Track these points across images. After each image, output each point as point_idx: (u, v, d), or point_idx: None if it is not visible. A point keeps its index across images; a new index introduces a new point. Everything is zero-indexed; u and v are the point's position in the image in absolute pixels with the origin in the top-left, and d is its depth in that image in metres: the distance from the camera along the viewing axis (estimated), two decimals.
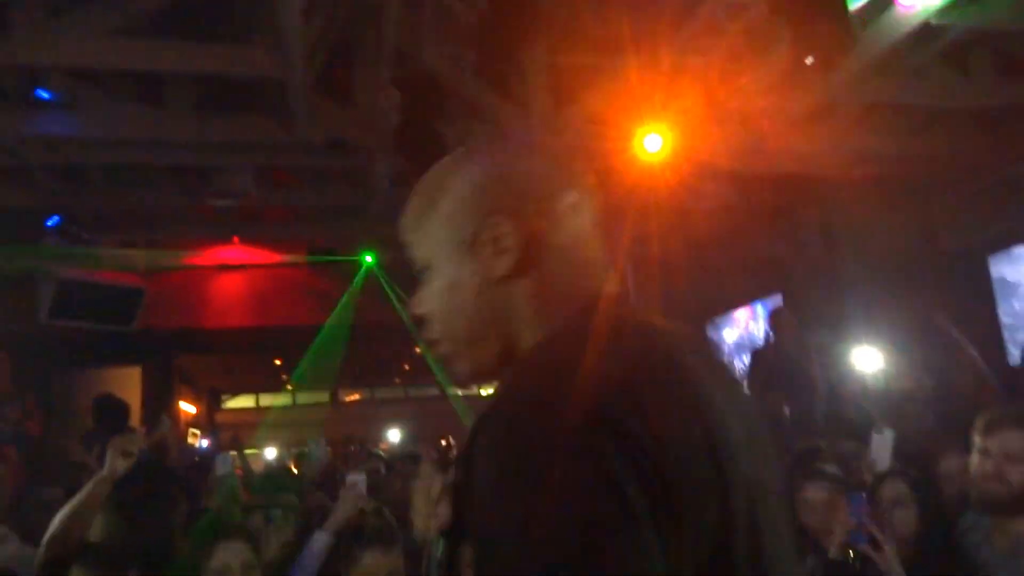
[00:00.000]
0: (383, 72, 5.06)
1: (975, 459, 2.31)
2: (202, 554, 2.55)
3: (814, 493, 2.69)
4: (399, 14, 4.56)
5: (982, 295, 6.83)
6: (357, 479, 3.13)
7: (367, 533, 2.59)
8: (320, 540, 2.85)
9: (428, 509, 2.91)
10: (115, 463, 2.71)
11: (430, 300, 1.00)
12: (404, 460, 5.19)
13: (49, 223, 7.00)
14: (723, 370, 0.96)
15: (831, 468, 2.83)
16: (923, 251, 7.13)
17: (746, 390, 0.97)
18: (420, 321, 1.01)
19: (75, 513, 2.60)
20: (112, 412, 5.90)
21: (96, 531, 2.73)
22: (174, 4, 4.73)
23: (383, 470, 5.30)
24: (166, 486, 3.42)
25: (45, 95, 5.27)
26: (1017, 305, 6.56)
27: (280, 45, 4.57)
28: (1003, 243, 6.93)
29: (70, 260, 7.10)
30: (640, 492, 0.71)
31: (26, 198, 6.44)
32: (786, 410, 5.54)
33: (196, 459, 8.52)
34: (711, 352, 1.01)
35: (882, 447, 3.03)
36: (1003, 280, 6.91)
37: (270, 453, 10.81)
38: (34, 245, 7.03)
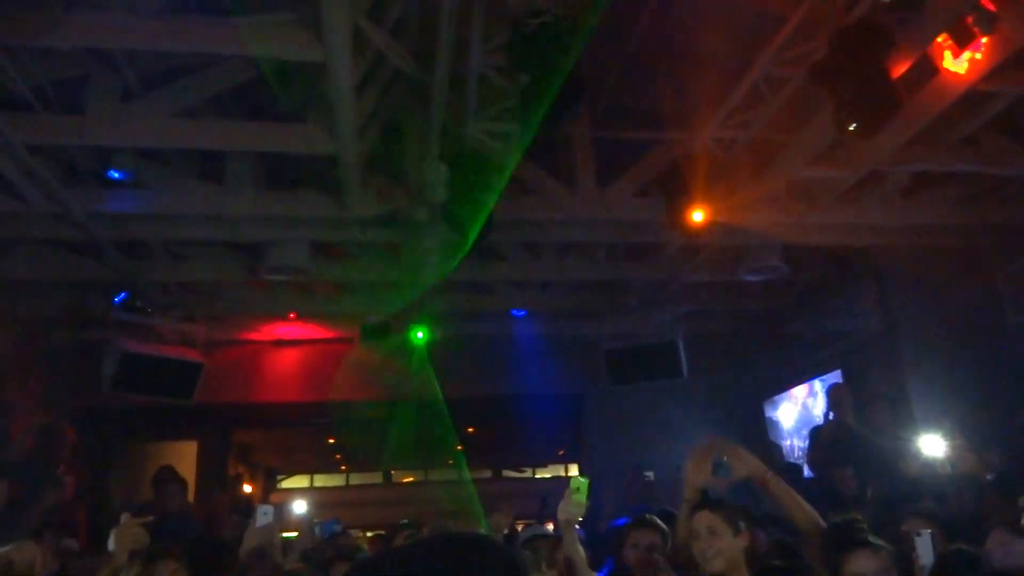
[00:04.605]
0: (431, 148, 5.21)
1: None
2: None
3: (860, 563, 2.56)
4: (446, 92, 4.72)
5: None
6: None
7: None
8: None
9: None
10: (122, 556, 2.70)
11: None
12: None
13: (116, 300, 7.31)
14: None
15: (873, 538, 2.69)
16: (987, 324, 6.85)
17: None
18: None
19: None
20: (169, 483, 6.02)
21: None
22: (235, 87, 5.01)
23: None
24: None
25: (116, 175, 5.58)
26: None
27: (334, 123, 4.77)
28: None
29: (134, 333, 7.36)
30: None
31: (94, 272, 6.73)
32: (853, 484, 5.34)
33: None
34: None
35: (926, 548, 2.90)
36: None
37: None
38: (101, 318, 7.33)
